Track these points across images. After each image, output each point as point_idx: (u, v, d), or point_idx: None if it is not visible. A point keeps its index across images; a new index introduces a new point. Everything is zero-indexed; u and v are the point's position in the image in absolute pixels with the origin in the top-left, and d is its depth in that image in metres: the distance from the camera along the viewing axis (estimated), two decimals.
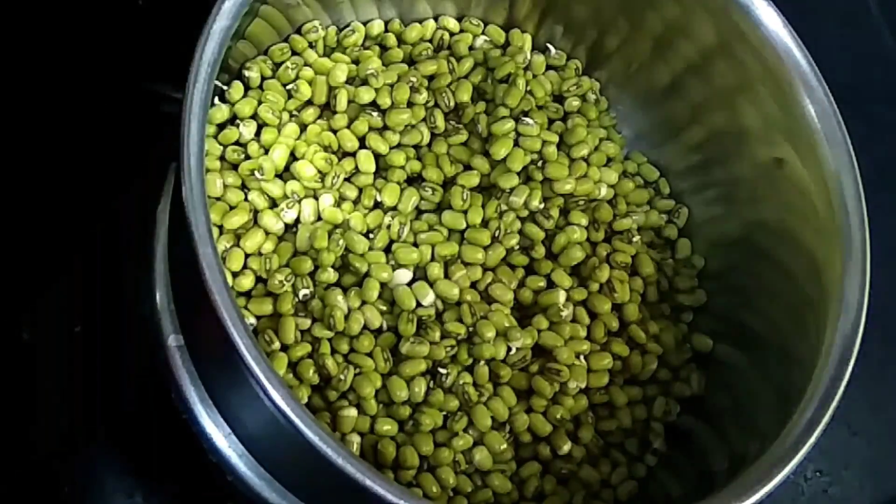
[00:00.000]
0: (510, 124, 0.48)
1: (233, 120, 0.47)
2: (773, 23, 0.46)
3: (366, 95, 0.48)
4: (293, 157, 0.47)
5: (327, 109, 0.48)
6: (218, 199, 0.45)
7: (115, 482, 0.46)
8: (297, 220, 0.46)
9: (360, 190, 0.47)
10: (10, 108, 0.50)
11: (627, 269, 0.50)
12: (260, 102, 0.47)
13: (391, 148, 0.48)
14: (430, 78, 0.50)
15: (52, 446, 0.46)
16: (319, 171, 0.46)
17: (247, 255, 0.44)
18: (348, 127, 0.47)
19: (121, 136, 0.50)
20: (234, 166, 0.46)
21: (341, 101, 0.47)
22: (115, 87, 0.48)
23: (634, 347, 0.49)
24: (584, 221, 0.49)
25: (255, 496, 0.44)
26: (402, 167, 0.48)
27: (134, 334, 0.47)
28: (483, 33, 0.52)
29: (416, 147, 0.49)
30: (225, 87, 0.46)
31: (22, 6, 0.52)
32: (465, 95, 0.50)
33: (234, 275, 0.44)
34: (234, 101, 0.46)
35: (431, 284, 0.46)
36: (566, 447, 0.46)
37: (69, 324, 0.48)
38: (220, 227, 0.44)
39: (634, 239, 0.51)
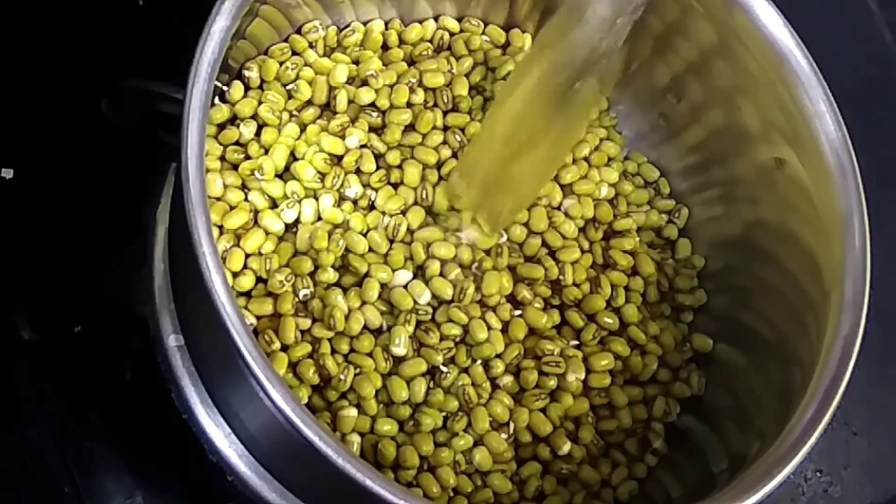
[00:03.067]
0: None
1: (233, 120, 0.47)
2: (773, 23, 0.46)
3: (366, 96, 0.48)
4: (293, 157, 0.47)
5: (327, 109, 0.48)
6: (218, 199, 0.45)
7: (115, 482, 0.46)
8: (297, 221, 0.46)
9: (360, 190, 0.47)
10: (9, 107, 0.50)
11: (627, 269, 0.50)
12: (260, 103, 0.47)
13: (390, 148, 0.48)
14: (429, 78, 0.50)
15: (51, 446, 0.46)
16: (319, 172, 0.46)
17: (247, 255, 0.44)
18: (348, 127, 0.48)
19: (120, 135, 0.50)
20: (235, 166, 0.46)
21: (341, 102, 0.47)
22: (114, 86, 0.48)
23: (634, 348, 0.49)
24: (580, 214, 0.50)
25: (255, 496, 0.44)
26: (400, 166, 0.48)
27: (134, 334, 0.47)
28: (483, 33, 0.52)
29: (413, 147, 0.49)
30: (225, 88, 0.46)
31: (21, 6, 0.52)
32: (462, 89, 0.50)
33: (234, 275, 0.44)
34: (234, 102, 0.47)
35: (427, 282, 0.46)
36: (566, 447, 0.46)
37: (69, 324, 0.48)
38: (220, 227, 0.44)
39: (635, 239, 0.51)
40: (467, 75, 0.51)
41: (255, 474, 0.44)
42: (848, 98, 0.46)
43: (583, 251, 0.50)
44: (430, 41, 0.52)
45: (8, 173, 0.50)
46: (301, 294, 0.44)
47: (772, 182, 0.48)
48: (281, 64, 0.48)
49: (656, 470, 0.48)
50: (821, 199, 0.45)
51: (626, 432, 0.48)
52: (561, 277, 0.48)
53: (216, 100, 0.46)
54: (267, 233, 0.45)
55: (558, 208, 0.50)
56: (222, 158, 0.46)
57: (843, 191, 0.44)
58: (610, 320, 0.48)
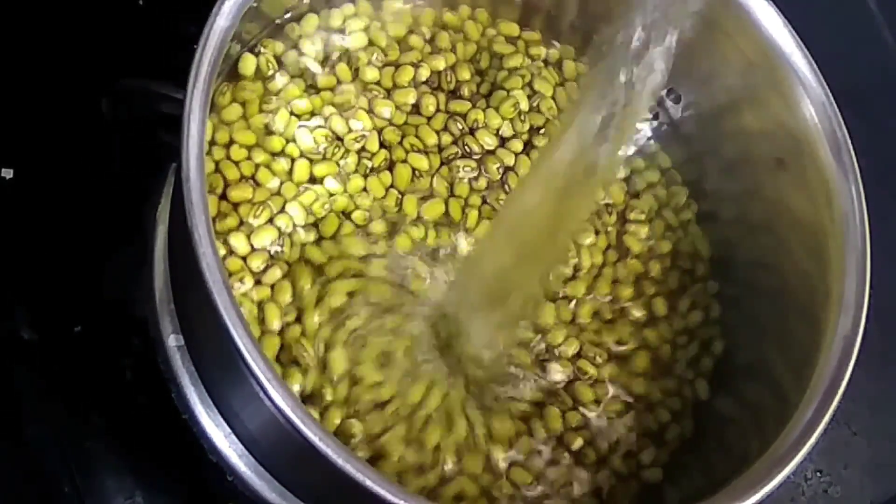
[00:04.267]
0: (509, 99, 0.49)
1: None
2: (773, 23, 0.46)
3: (370, 74, 0.48)
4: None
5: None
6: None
7: (115, 482, 0.46)
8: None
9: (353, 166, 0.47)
10: (9, 107, 0.50)
11: (644, 255, 0.50)
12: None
13: (391, 123, 0.48)
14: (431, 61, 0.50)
15: (51, 446, 0.46)
16: (319, 145, 0.47)
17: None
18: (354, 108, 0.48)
19: (120, 135, 0.50)
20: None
21: (343, 72, 0.48)
22: (114, 86, 0.48)
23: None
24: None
25: (255, 496, 0.44)
26: (401, 143, 0.48)
27: (134, 334, 0.47)
28: (493, 26, 0.53)
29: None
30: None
31: (21, 6, 0.52)
32: (465, 73, 0.50)
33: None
34: (248, 76, 0.47)
35: None
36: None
37: (69, 324, 0.48)
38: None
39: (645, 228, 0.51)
40: (472, 60, 0.51)
41: (255, 474, 0.44)
42: (848, 98, 0.46)
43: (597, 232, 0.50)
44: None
45: (8, 173, 0.50)
46: (272, 249, 0.44)
47: (772, 182, 0.48)
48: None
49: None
50: (821, 199, 0.45)
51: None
52: (576, 261, 0.48)
53: (241, 49, 0.46)
54: (258, 185, 0.45)
55: None
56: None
57: (843, 191, 0.44)
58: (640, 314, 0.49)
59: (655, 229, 0.51)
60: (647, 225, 0.51)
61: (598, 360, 0.47)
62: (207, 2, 0.39)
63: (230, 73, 0.47)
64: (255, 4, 0.43)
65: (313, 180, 0.46)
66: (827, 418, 0.40)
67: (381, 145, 0.48)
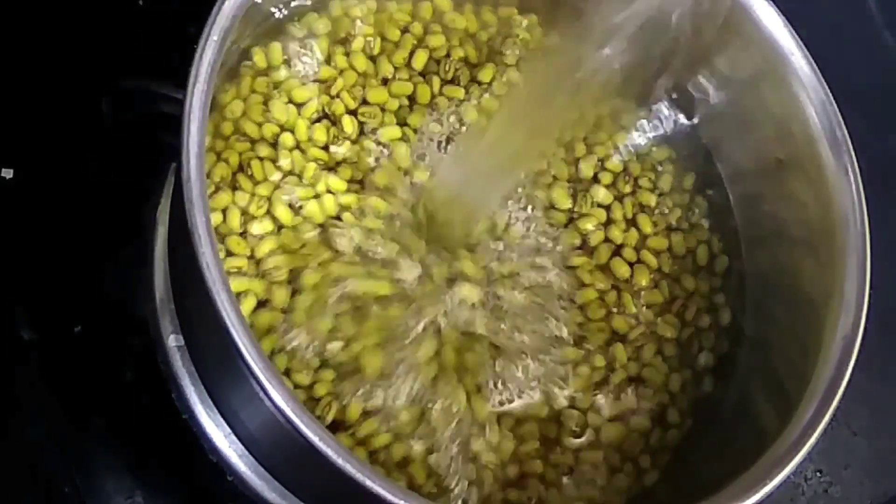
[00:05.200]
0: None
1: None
2: (773, 23, 0.46)
3: (368, 63, 0.49)
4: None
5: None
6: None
7: (115, 482, 0.46)
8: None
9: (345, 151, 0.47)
10: (9, 107, 0.50)
11: (661, 229, 0.50)
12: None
13: (384, 109, 0.48)
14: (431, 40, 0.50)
15: (51, 446, 0.46)
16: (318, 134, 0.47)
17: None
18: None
19: (120, 135, 0.50)
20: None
21: (343, 64, 0.48)
22: (114, 86, 0.48)
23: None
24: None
25: (255, 496, 0.44)
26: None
27: (134, 334, 0.47)
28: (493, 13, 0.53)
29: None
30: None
31: (21, 6, 0.52)
32: (461, 53, 0.50)
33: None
34: (262, 68, 0.47)
35: None
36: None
37: (69, 324, 0.48)
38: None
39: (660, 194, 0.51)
40: (471, 46, 0.51)
41: (255, 474, 0.44)
42: (848, 98, 0.46)
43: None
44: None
45: (8, 173, 0.50)
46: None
47: (772, 182, 0.48)
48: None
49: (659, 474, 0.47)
50: (821, 199, 0.45)
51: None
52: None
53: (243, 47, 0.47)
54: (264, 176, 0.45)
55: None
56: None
57: (843, 191, 0.44)
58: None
59: (666, 203, 0.51)
60: (656, 196, 0.50)
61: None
62: (207, 2, 0.39)
63: (231, 70, 0.47)
64: (255, 3, 0.43)
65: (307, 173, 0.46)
66: (827, 418, 0.40)
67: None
